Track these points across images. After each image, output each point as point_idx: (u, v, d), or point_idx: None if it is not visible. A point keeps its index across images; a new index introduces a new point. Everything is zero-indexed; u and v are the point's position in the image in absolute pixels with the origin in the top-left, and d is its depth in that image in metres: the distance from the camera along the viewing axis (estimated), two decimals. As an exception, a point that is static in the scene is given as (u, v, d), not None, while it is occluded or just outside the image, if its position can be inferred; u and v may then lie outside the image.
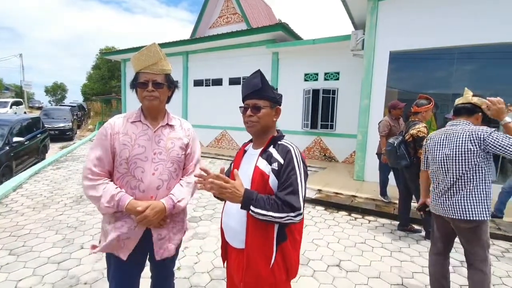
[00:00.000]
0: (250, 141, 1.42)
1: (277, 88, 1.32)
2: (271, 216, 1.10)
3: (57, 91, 49.76)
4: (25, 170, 6.18)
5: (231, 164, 1.44)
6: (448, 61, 5.30)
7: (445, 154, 2.06)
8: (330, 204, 4.65)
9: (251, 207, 1.11)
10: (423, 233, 3.58)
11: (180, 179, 1.51)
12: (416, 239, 3.51)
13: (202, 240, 3.31)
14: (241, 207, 1.14)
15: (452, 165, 2.01)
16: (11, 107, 16.09)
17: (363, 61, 5.89)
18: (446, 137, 2.10)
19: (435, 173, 2.19)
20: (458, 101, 2.22)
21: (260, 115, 1.23)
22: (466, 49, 5.05)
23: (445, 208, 2.05)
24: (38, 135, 7.52)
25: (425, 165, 2.33)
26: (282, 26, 8.08)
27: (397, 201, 3.94)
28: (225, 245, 1.39)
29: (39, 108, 26.19)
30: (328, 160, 8.25)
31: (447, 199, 2.04)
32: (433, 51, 5.30)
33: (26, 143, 6.45)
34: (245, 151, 1.38)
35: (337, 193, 5.07)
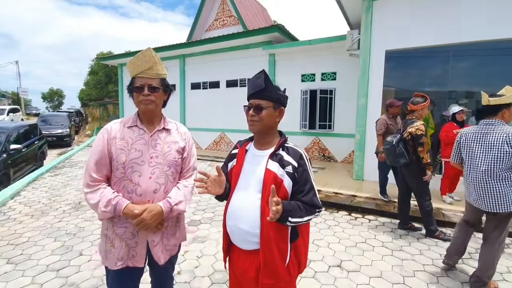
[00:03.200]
0: (249, 140, 1.40)
1: (285, 90, 1.32)
2: (305, 220, 1.20)
3: (54, 97, 49.60)
4: (23, 177, 6.14)
5: (226, 163, 1.43)
6: (443, 58, 5.32)
7: (481, 152, 2.31)
8: (330, 204, 4.64)
9: (289, 218, 1.15)
10: (424, 231, 3.58)
11: (177, 183, 1.51)
12: (417, 237, 3.50)
13: (202, 243, 3.29)
14: (279, 221, 1.15)
15: (488, 163, 2.25)
16: (8, 114, 16.02)
17: (359, 60, 5.91)
18: (483, 135, 2.32)
19: (469, 168, 2.43)
20: (482, 102, 2.37)
21: (262, 116, 1.24)
22: (461, 46, 5.07)
23: (480, 201, 2.32)
24: (35, 142, 7.49)
25: (456, 158, 2.61)
26: (278, 28, 8.11)
27: (397, 200, 3.94)
28: (227, 248, 1.38)
29: (37, 114, 26.10)
30: (327, 160, 8.25)
31: (481, 193, 2.30)
32: (429, 49, 5.32)
33: (23, 150, 6.43)
34: (246, 151, 1.36)
35: (336, 193, 5.07)
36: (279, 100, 1.27)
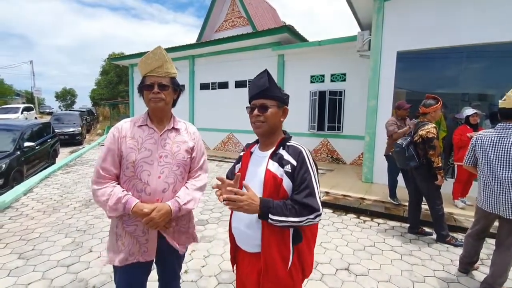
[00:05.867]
0: (256, 142, 1.40)
1: (283, 90, 1.32)
2: (291, 221, 1.10)
3: (66, 97, 50.76)
4: (35, 174, 6.29)
5: (235, 165, 1.43)
6: (457, 60, 5.21)
7: (497, 157, 2.27)
8: (338, 206, 4.59)
9: (270, 215, 1.10)
10: (434, 236, 3.50)
11: (186, 182, 1.51)
12: (427, 242, 3.43)
13: (209, 243, 3.30)
14: (259, 217, 1.13)
15: (505, 168, 2.21)
16: (22, 113, 16.44)
17: (369, 61, 5.84)
18: (499, 139, 2.29)
19: (484, 172, 2.38)
20: (501, 104, 2.33)
21: (267, 115, 1.22)
22: (475, 47, 4.95)
23: (496, 206, 2.27)
24: (48, 140, 7.65)
25: (470, 161, 2.57)
26: (288, 29, 8.08)
27: (407, 203, 3.87)
28: (234, 250, 1.37)
29: (50, 113, 26.72)
30: (335, 162, 8.17)
31: (497, 198, 2.25)
32: (442, 50, 5.21)
33: (36, 148, 6.57)
34: (251, 153, 1.36)
35: (345, 195, 5.01)
36: (282, 99, 1.26)
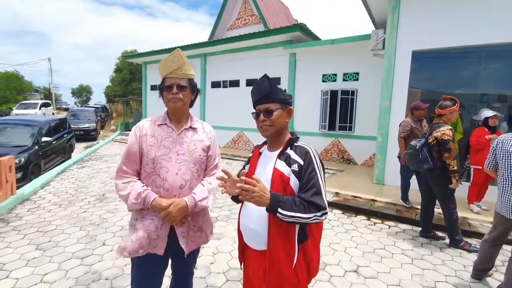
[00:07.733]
0: (264, 143, 1.43)
1: (285, 90, 1.34)
2: (299, 217, 1.13)
3: (82, 93, 52.10)
4: (52, 168, 6.49)
5: (244, 166, 1.46)
6: (475, 60, 5.05)
7: None
8: (348, 207, 4.55)
9: (279, 209, 1.12)
10: (447, 241, 3.42)
11: (202, 180, 1.57)
12: (440, 247, 3.36)
13: (218, 240, 3.34)
14: (268, 210, 1.14)
15: None
16: (40, 109, 16.97)
17: (383, 61, 5.73)
18: None
19: (504, 177, 2.34)
20: None
21: (273, 118, 1.25)
22: (494, 47, 4.78)
23: None
24: (64, 135, 7.86)
25: (491, 165, 2.53)
26: (300, 27, 8.02)
27: (419, 206, 3.80)
28: (242, 247, 1.40)
29: (66, 109, 27.45)
30: (346, 163, 8.08)
31: None
32: (459, 50, 5.06)
33: (53, 142, 6.77)
34: (260, 154, 1.39)
35: (355, 197, 4.96)
36: (285, 100, 1.29)
